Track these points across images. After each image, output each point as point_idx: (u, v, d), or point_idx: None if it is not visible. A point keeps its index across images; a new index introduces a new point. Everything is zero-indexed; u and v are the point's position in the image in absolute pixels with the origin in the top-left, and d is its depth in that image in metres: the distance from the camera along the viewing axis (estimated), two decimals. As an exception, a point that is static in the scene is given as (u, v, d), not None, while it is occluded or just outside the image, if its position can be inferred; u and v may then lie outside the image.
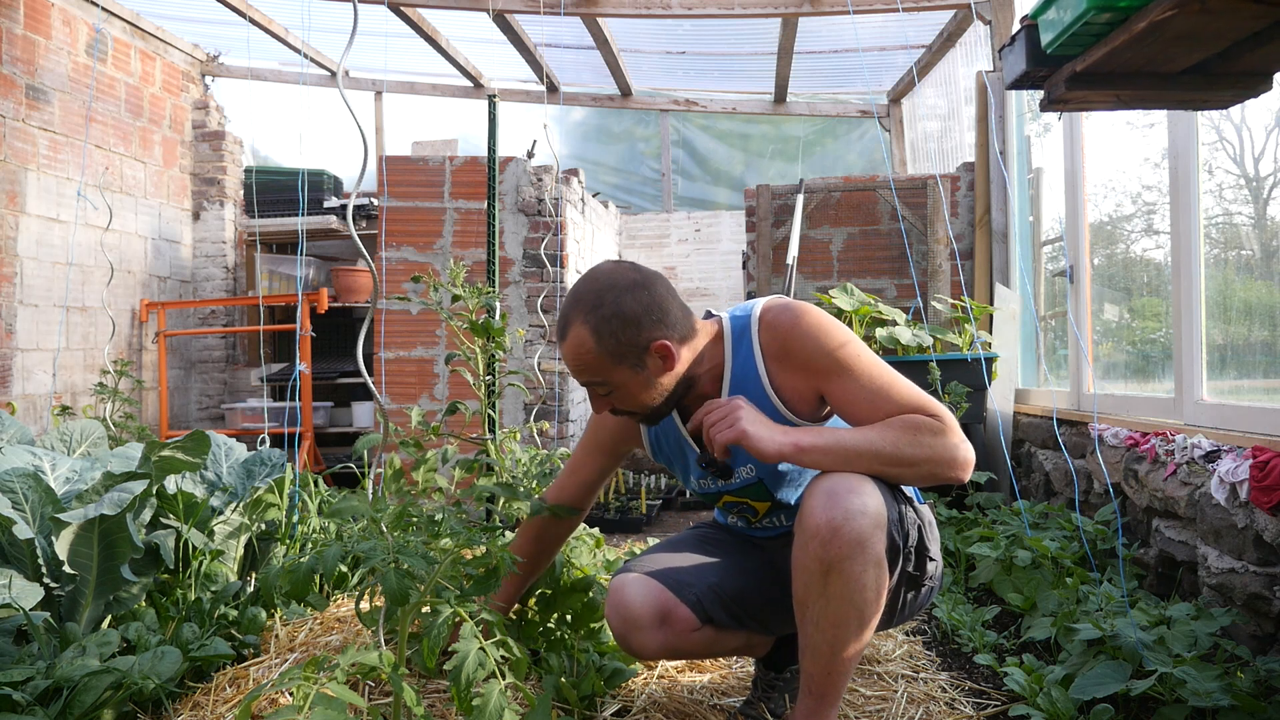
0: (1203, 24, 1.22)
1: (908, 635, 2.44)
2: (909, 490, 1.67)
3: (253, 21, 5.41)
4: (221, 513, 2.46)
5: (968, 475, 1.54)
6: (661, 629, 1.67)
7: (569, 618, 2.02)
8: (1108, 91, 1.43)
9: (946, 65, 5.51)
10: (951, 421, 1.54)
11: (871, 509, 1.47)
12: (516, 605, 2.07)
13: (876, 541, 1.47)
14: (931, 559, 1.65)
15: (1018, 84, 1.53)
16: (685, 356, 1.64)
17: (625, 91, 6.71)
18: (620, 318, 1.57)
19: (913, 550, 1.60)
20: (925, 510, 1.68)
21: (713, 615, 1.71)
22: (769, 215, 4.79)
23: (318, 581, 2.38)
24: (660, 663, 2.10)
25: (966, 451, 1.53)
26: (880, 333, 3.84)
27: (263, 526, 2.60)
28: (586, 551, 2.35)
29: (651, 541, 3.23)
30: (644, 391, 1.63)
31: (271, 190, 5.92)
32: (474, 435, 2.30)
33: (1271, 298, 2.49)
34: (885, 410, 1.55)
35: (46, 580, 2.07)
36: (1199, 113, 2.49)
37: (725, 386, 1.69)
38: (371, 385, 1.72)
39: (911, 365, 3.69)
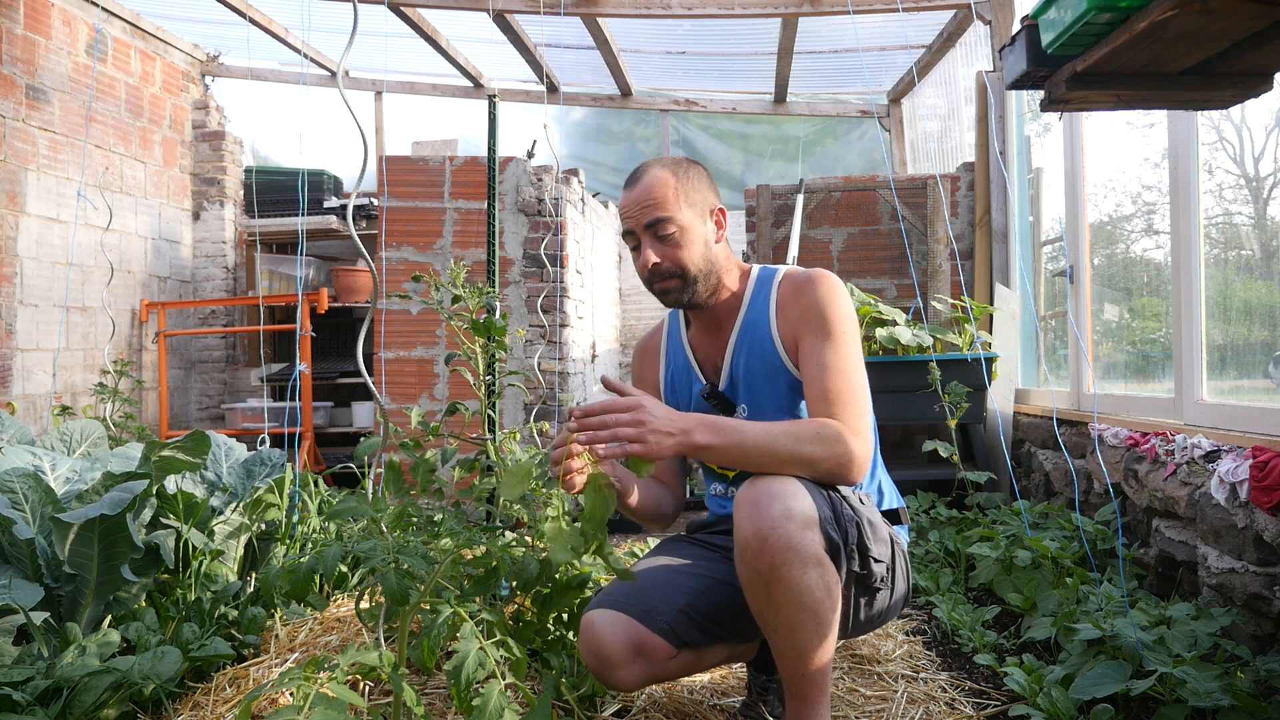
0: (1203, 24, 1.22)
1: (908, 635, 2.44)
2: (849, 490, 1.64)
3: (253, 21, 5.41)
4: (221, 513, 2.46)
5: (859, 478, 1.59)
6: (637, 662, 1.61)
7: (565, 617, 2.02)
8: (1108, 91, 1.44)
9: (946, 65, 5.51)
10: (856, 427, 1.59)
11: (798, 511, 1.45)
12: (514, 606, 2.07)
13: (809, 543, 1.45)
14: (876, 560, 1.60)
15: (1018, 84, 1.53)
16: (725, 251, 1.81)
17: (625, 91, 6.71)
18: (698, 176, 1.78)
19: (854, 548, 1.56)
20: (865, 509, 1.63)
21: (687, 639, 1.65)
22: (769, 215, 4.79)
23: (318, 581, 2.38)
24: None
25: (861, 457, 1.58)
26: (880, 333, 3.84)
27: (263, 526, 2.60)
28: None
29: (652, 542, 3.23)
30: (697, 246, 1.74)
31: (271, 190, 5.92)
32: (474, 435, 2.30)
33: (1271, 298, 2.49)
34: (820, 384, 1.63)
35: (46, 580, 2.07)
36: (1199, 113, 2.49)
37: (738, 322, 1.80)
38: (371, 385, 1.72)
39: (911, 365, 3.69)
